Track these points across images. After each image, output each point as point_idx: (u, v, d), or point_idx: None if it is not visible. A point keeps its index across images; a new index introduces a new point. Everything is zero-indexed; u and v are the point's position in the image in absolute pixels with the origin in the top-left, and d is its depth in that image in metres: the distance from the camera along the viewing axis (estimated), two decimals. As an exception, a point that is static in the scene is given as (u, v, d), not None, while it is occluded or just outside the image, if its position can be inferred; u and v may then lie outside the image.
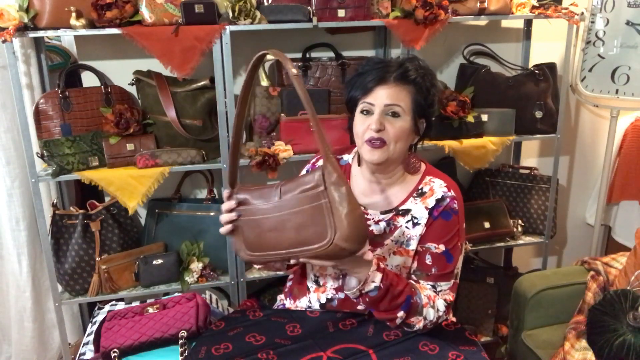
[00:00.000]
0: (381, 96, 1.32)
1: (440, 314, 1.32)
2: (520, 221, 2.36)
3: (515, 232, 2.34)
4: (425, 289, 1.34)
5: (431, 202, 1.37)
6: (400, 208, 1.40)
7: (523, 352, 1.88)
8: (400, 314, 1.27)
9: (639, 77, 2.32)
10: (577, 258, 2.04)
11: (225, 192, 1.28)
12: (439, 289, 1.35)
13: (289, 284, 1.61)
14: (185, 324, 1.66)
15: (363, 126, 1.34)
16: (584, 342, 1.60)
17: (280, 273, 2.06)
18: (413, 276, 1.38)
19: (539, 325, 1.90)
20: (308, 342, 1.29)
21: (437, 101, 1.42)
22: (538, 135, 2.28)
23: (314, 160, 1.58)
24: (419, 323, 1.30)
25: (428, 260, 1.35)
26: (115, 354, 1.58)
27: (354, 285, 1.25)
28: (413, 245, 1.37)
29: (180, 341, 1.61)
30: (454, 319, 1.49)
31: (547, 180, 2.35)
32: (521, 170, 2.42)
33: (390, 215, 1.40)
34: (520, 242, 2.36)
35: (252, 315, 1.44)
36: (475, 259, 2.47)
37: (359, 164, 1.47)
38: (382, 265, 1.26)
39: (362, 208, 1.42)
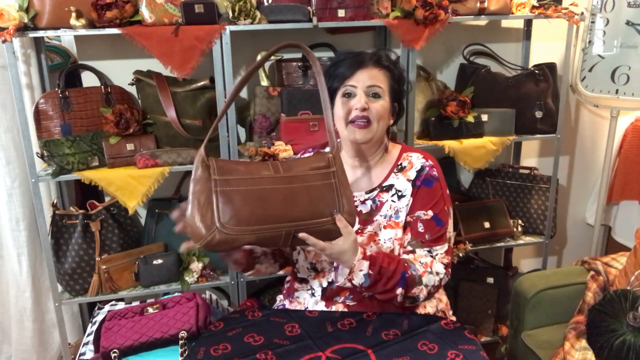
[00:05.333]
0: (362, 78, 1.40)
1: (441, 276, 1.39)
2: (520, 221, 2.36)
3: (515, 232, 2.34)
4: (420, 256, 1.40)
5: (412, 174, 1.44)
6: (384, 184, 1.47)
7: (523, 352, 1.87)
8: (399, 291, 1.32)
9: (639, 77, 2.32)
10: (577, 258, 2.04)
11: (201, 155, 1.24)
12: (434, 253, 1.41)
13: (286, 285, 1.61)
14: (185, 324, 1.65)
15: (346, 108, 1.40)
16: (584, 342, 1.60)
17: (281, 272, 2.05)
18: (409, 247, 1.42)
19: (539, 325, 1.90)
20: (307, 342, 1.29)
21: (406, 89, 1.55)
22: (538, 135, 2.28)
23: (310, 150, 1.63)
24: (421, 292, 1.35)
25: (420, 227, 1.41)
26: (115, 354, 1.58)
27: (344, 277, 1.30)
28: (402, 217, 1.43)
29: (180, 341, 1.60)
30: (453, 318, 1.50)
31: (547, 180, 2.35)
32: (521, 170, 2.42)
33: (375, 193, 1.46)
34: (520, 242, 2.37)
35: (251, 315, 1.44)
36: (475, 259, 2.47)
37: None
38: (368, 253, 1.31)
39: None
